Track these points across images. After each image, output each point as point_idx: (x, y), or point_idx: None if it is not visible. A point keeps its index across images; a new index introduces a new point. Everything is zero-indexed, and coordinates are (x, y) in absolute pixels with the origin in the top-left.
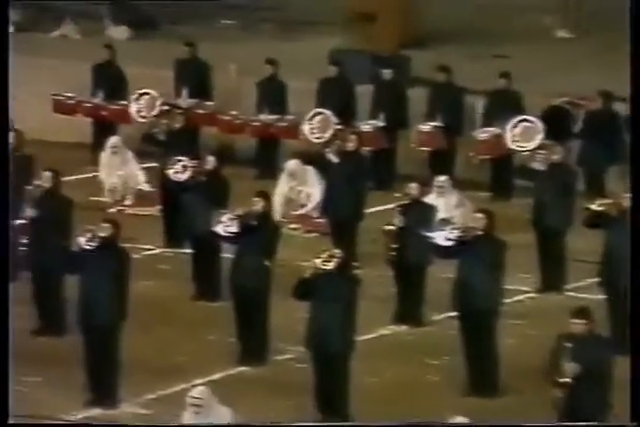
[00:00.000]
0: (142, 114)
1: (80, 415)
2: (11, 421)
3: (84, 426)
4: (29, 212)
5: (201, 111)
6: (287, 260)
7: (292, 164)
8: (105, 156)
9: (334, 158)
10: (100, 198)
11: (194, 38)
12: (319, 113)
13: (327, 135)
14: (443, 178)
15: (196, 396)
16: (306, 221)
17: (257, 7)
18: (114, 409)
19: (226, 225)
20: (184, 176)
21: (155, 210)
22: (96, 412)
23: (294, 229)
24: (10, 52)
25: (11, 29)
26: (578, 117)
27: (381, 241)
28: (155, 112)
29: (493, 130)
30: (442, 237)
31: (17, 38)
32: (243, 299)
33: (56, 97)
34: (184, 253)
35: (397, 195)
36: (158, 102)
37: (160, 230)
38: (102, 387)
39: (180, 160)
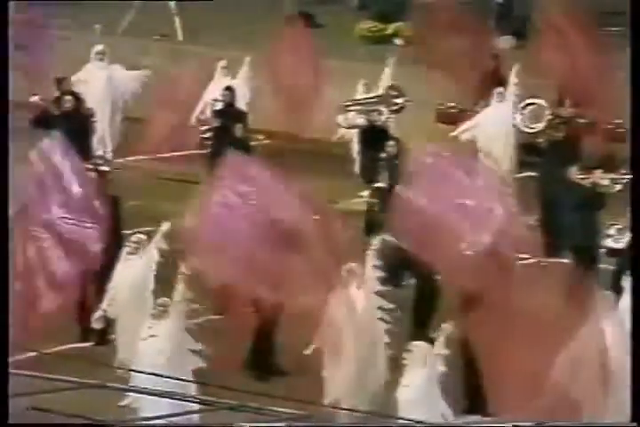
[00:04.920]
0: (527, 124)
1: (459, 421)
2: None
3: (89, 426)
4: None
5: (583, 120)
6: None
7: None
8: None
9: None
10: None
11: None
12: None
13: None
14: None
15: None
16: None
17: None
18: (491, 417)
19: (615, 238)
20: None
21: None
22: (474, 418)
23: None
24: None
25: (399, 42)
26: None
27: None
28: (542, 122)
29: None
30: None
31: (402, 51)
32: None
33: (440, 107)
34: (562, 262)
35: None
36: (546, 112)
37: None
38: (480, 395)
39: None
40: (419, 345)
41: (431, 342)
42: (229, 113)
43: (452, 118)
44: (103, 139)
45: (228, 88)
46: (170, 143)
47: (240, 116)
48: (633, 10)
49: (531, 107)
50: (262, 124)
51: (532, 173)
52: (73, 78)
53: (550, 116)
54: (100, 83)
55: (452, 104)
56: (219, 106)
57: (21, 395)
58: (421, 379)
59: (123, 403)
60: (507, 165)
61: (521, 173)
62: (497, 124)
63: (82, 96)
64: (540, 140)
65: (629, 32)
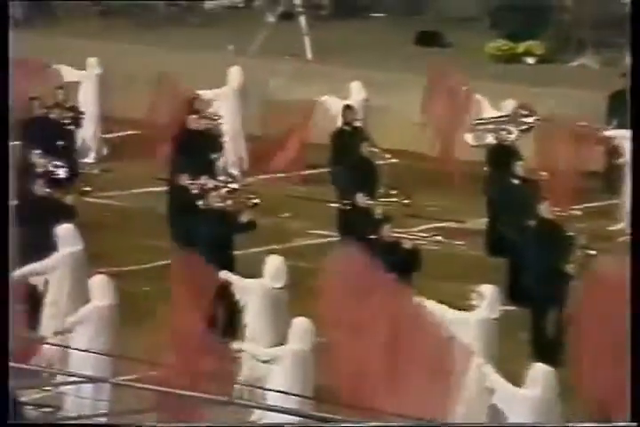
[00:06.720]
0: None
1: None
2: None
3: (88, 426)
4: None
5: None
6: None
7: None
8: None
9: None
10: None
11: None
12: None
13: None
14: None
15: None
16: None
17: None
18: None
19: None
20: None
21: None
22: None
23: None
24: None
25: (531, 60)
26: None
27: None
28: None
29: None
30: None
31: (538, 69)
32: None
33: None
34: None
35: None
36: None
37: None
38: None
39: None
40: (538, 366)
41: (552, 363)
42: (350, 132)
43: (583, 138)
44: (232, 157)
45: (348, 107)
46: (300, 162)
47: (363, 135)
48: (633, 11)
49: None
50: (385, 144)
51: None
52: (205, 97)
53: None
54: (228, 102)
55: (584, 123)
56: (338, 125)
57: (150, 411)
58: (536, 399)
59: (251, 419)
60: None
61: None
62: None
63: (212, 115)
64: None
65: (629, 32)
